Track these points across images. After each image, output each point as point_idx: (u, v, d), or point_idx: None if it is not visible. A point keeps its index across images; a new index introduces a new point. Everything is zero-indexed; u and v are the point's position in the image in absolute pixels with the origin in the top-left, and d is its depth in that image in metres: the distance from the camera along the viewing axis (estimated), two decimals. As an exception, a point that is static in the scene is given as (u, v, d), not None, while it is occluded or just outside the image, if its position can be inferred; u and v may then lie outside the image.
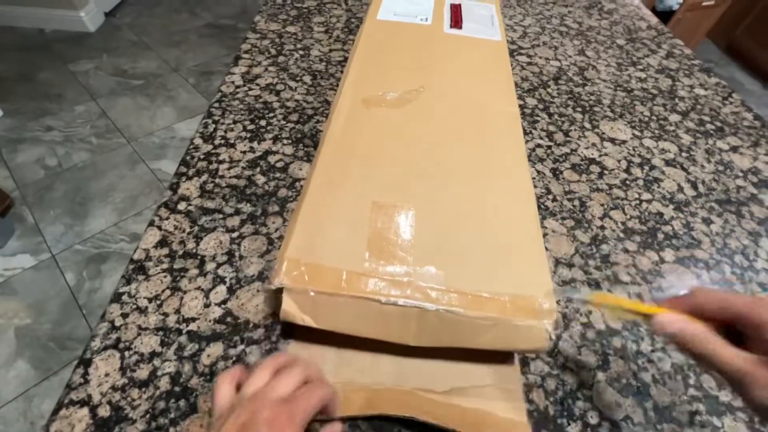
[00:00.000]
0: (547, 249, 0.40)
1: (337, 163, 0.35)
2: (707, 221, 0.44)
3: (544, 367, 0.32)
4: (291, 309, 0.26)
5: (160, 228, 0.37)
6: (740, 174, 0.50)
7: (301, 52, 0.60)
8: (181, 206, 0.39)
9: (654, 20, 0.80)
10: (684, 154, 0.52)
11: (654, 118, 0.56)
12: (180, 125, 1.53)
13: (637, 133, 0.54)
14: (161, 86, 1.68)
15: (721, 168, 0.50)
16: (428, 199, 0.33)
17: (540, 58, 0.66)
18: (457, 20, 0.55)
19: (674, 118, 0.57)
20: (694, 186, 0.48)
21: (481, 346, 0.27)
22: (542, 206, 0.43)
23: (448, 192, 0.34)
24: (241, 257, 0.36)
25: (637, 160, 0.50)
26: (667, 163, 0.50)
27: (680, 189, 0.47)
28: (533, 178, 0.46)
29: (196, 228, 0.37)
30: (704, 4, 1.58)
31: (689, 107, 0.59)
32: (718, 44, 2.26)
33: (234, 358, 0.30)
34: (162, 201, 0.39)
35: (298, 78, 0.56)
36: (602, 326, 0.35)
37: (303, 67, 0.58)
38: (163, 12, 2.11)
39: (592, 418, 0.30)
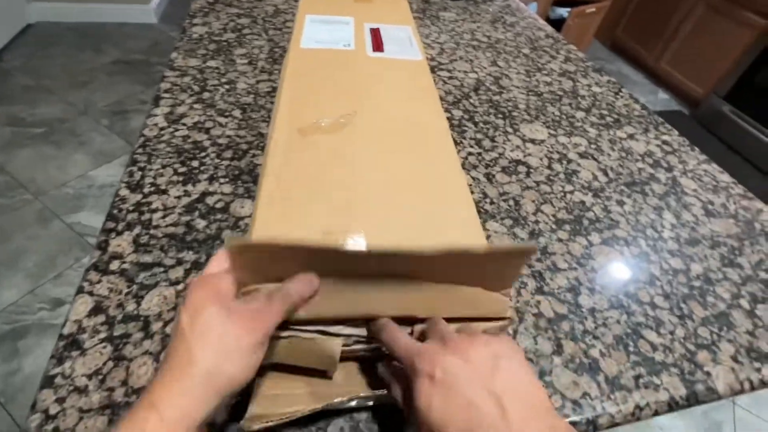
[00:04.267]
0: (492, 250, 0.43)
1: (280, 198, 0.34)
2: (620, 203, 0.50)
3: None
4: None
5: (91, 294, 0.34)
6: (639, 158, 0.57)
7: (226, 87, 0.59)
8: (114, 266, 0.36)
9: (550, 29, 0.90)
10: (593, 146, 0.58)
11: (564, 116, 0.63)
12: (97, 172, 1.40)
13: (552, 131, 0.60)
14: (69, 132, 1.53)
15: (623, 154, 0.58)
16: (375, 219, 0.34)
17: (459, 71, 0.70)
18: (378, 44, 0.57)
19: (580, 114, 0.64)
20: (605, 173, 0.54)
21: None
22: (482, 210, 0.46)
23: (393, 209, 0.35)
24: (190, 310, 0.34)
25: (556, 156, 0.56)
26: (581, 155, 0.56)
27: (595, 177, 0.53)
28: (470, 185, 0.49)
29: (135, 287, 0.34)
30: (587, 11, 1.81)
31: (590, 104, 0.67)
32: (604, 43, 2.59)
33: (197, 421, 0.28)
34: (90, 263, 0.36)
35: (226, 113, 0.54)
36: (551, 314, 0.38)
37: (230, 101, 0.56)
38: (61, 51, 1.93)
39: (555, 402, 0.32)
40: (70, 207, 1.29)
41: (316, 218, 0.33)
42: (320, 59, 0.52)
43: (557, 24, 1.84)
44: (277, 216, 0.33)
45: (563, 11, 1.87)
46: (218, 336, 0.21)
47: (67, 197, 1.32)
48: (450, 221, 0.35)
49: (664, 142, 0.61)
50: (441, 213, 0.35)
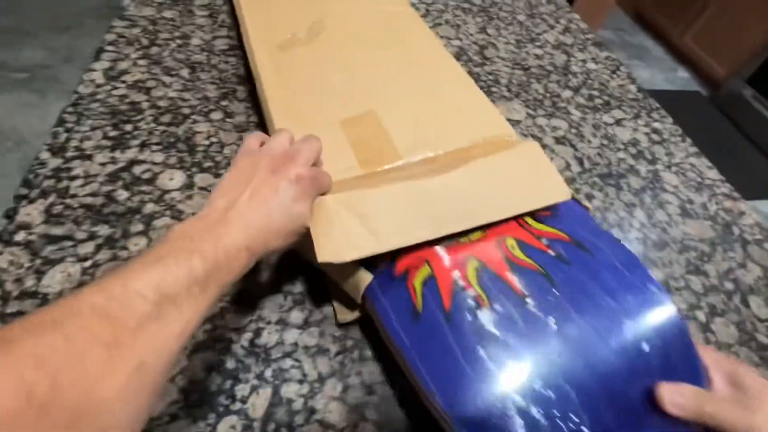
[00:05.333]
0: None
1: (288, 105, 0.36)
2: (590, 197, 0.46)
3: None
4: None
5: (-10, 266, 0.32)
6: (621, 146, 0.53)
7: (178, 41, 0.54)
8: (19, 236, 0.33)
9: (554, -6, 0.81)
10: (573, 131, 0.53)
11: (548, 95, 0.58)
12: (79, 123, 1.36)
13: (531, 112, 0.55)
14: (52, 79, 1.48)
15: (605, 142, 0.53)
16: (382, 100, 0.37)
17: (441, 38, 0.64)
18: None
19: (566, 94, 0.59)
20: (581, 162, 0.50)
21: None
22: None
23: (394, 88, 0.39)
24: (95, 289, 0.32)
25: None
26: (557, 140, 0.52)
27: (568, 166, 0.49)
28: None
29: (38, 261, 0.32)
30: (609, -26, 1.66)
31: (581, 83, 0.61)
32: (627, 13, 2.41)
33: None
34: (-7, 233, 0.33)
35: (173, 72, 0.50)
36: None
37: (180, 59, 0.52)
38: (44, -9, 1.83)
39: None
40: (52, 159, 1.27)
41: (330, 114, 0.36)
42: None
43: (576, -12, 1.69)
44: (294, 122, 0.34)
45: (584, -27, 1.71)
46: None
47: (49, 149, 1.29)
48: (446, 86, 0.40)
49: (654, 131, 0.56)
50: (434, 78, 0.40)
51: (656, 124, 0.57)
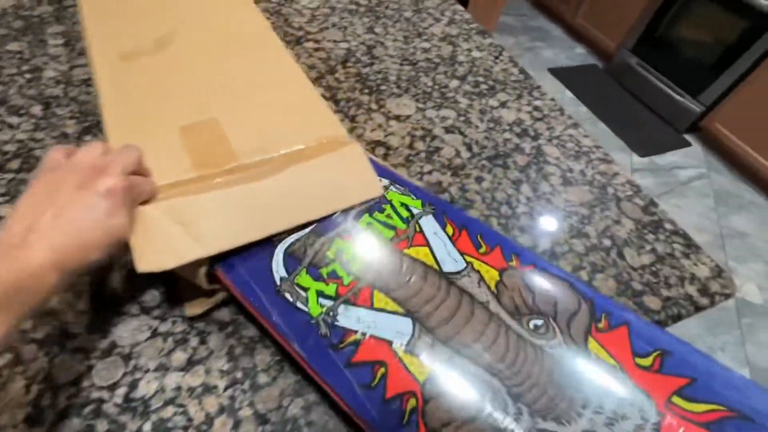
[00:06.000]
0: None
1: (125, 113, 0.35)
2: (479, 180, 0.48)
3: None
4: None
5: None
6: (507, 127, 0.56)
7: (27, 76, 0.49)
8: None
9: (438, -12, 0.84)
10: (461, 118, 0.55)
11: (436, 87, 0.60)
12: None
13: (420, 105, 0.56)
14: None
15: (492, 125, 0.55)
16: (224, 108, 0.37)
17: (328, 42, 0.64)
18: None
19: (454, 84, 0.61)
20: (470, 148, 0.52)
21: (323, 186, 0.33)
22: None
23: (236, 96, 0.39)
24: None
25: (420, 133, 0.52)
26: (447, 130, 0.53)
27: (457, 154, 0.51)
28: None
29: None
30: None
31: (467, 71, 0.64)
32: (525, -1, 2.58)
33: None
34: None
35: (22, 111, 0.45)
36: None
37: (30, 95, 0.46)
38: None
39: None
40: None
41: (169, 123, 0.35)
42: None
43: (472, -20, 1.77)
44: (131, 133, 0.33)
45: (478, -35, 1.80)
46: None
47: None
48: (287, 91, 0.40)
49: (536, 108, 0.60)
50: (276, 86, 0.40)
51: (537, 102, 0.61)
